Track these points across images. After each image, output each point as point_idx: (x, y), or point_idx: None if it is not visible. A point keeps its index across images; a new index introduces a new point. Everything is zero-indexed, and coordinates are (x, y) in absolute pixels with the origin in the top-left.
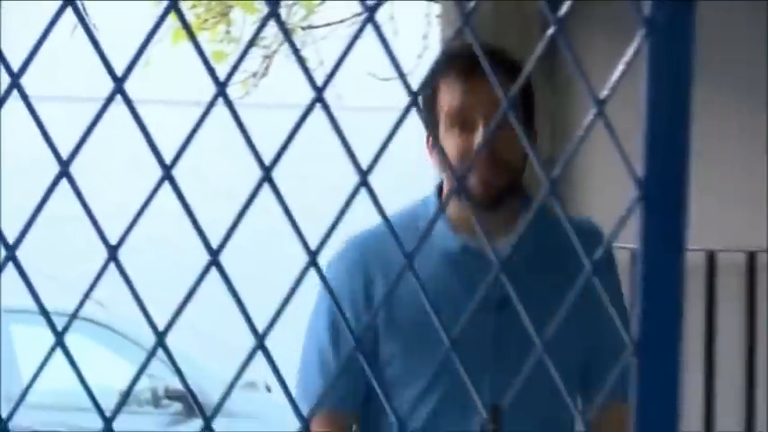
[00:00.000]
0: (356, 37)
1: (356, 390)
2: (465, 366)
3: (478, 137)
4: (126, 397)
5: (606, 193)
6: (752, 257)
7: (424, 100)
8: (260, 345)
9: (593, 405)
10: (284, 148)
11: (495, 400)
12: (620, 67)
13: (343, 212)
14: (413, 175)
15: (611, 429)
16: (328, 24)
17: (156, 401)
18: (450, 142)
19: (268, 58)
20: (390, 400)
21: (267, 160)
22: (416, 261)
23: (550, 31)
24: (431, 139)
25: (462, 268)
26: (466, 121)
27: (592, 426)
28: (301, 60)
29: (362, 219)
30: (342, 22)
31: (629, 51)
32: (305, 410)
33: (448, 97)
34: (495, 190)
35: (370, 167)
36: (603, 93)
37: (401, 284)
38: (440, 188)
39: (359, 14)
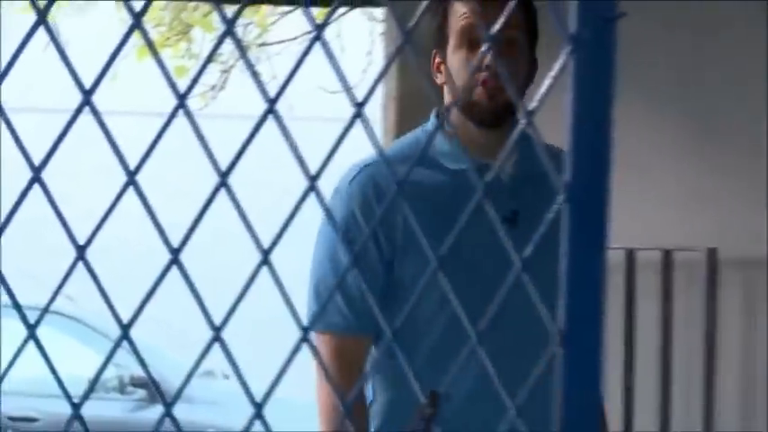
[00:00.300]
0: (305, 53)
1: (374, 313)
2: (477, 280)
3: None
4: (93, 384)
5: None
6: (667, 255)
7: (436, 19)
8: (216, 336)
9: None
10: (239, 155)
11: (505, 314)
12: (548, 82)
13: (293, 215)
14: None
15: None
16: (281, 42)
17: (121, 388)
18: (458, 60)
19: (225, 72)
20: (405, 323)
21: (224, 166)
22: (427, 183)
23: (484, 47)
24: (438, 58)
25: (471, 187)
26: (474, 40)
27: None
28: (255, 75)
29: (311, 220)
30: (293, 39)
31: (556, 66)
32: (320, 333)
33: (459, 17)
34: (499, 104)
35: (319, 173)
36: (532, 105)
37: (417, 206)
38: (438, 115)
39: (309, 33)
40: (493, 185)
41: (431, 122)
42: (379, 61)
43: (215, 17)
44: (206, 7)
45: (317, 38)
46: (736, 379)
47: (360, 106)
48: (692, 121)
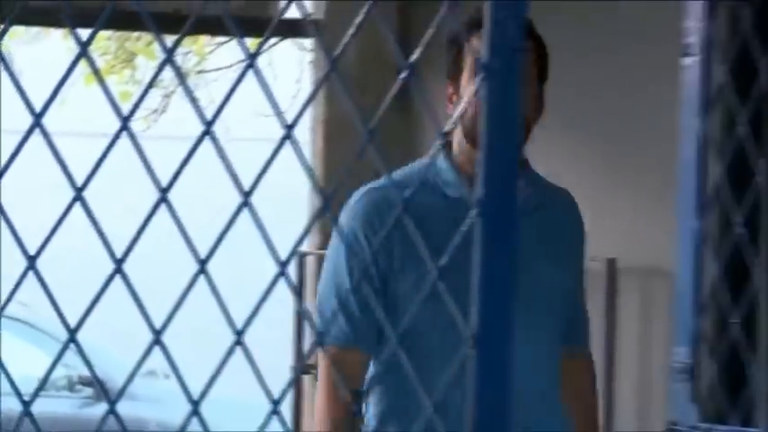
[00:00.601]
0: (239, 80)
1: (372, 329)
2: (464, 298)
3: None
4: (43, 383)
5: None
6: None
7: (451, 53)
8: (157, 339)
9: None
10: (179, 173)
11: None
12: (461, 105)
13: (227, 228)
14: (287, 198)
15: (577, 376)
16: (218, 69)
17: (70, 387)
18: (471, 92)
19: (166, 97)
20: (403, 336)
21: (164, 184)
22: (430, 209)
23: (403, 74)
24: (451, 89)
25: (467, 214)
26: None
27: (563, 367)
28: (194, 99)
29: (245, 234)
30: (229, 67)
31: (469, 92)
32: (325, 346)
33: (477, 49)
34: None
35: (252, 190)
36: (447, 127)
37: (418, 228)
38: (447, 145)
39: (243, 61)
40: None
41: (438, 154)
42: (307, 88)
43: (156, 46)
44: (148, 37)
45: (251, 66)
46: (634, 383)
47: (290, 129)
48: (603, 140)
